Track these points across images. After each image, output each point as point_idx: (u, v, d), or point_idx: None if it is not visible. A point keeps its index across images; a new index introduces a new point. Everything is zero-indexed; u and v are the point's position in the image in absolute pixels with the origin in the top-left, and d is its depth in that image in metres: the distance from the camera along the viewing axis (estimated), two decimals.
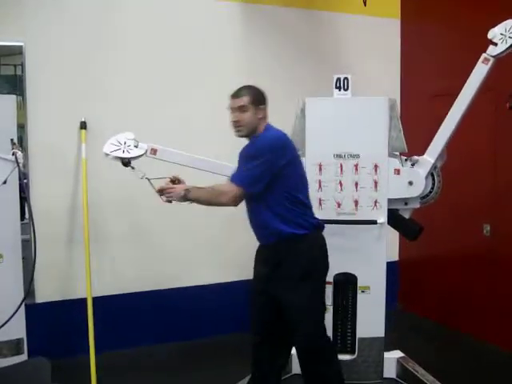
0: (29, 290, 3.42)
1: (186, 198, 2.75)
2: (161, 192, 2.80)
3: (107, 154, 3.09)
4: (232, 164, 3.06)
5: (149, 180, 2.90)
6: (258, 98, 2.82)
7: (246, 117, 2.79)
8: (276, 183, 2.73)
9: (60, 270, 4.07)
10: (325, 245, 2.92)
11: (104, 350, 3.88)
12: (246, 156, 2.77)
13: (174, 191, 2.77)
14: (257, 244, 3.00)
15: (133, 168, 3.05)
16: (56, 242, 4.03)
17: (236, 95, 2.83)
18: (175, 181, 2.90)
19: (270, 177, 2.70)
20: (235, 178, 2.75)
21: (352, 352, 3.56)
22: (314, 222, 2.90)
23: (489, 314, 4.31)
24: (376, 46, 5.02)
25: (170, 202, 2.82)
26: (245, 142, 2.89)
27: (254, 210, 2.86)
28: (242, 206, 2.88)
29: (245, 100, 2.79)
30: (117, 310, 4.20)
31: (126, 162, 3.07)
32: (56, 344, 3.94)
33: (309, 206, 2.91)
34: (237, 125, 2.83)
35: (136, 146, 3.13)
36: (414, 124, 4.38)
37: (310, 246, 2.86)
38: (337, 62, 4.75)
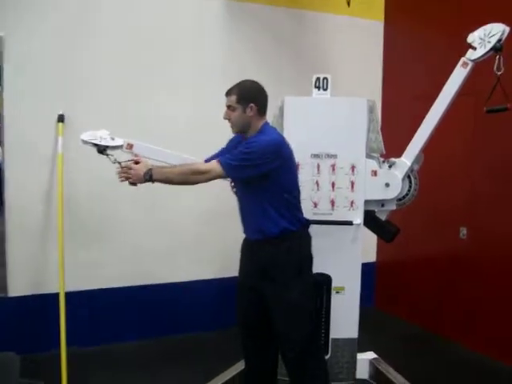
0: None
1: (149, 179, 2.66)
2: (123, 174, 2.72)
3: (85, 142, 3.01)
4: None
5: (119, 163, 2.80)
6: (246, 97, 2.75)
7: (234, 116, 2.78)
8: (269, 182, 2.72)
9: (34, 263, 4.01)
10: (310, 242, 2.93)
11: (76, 346, 3.85)
12: (240, 151, 2.69)
13: (133, 172, 2.69)
14: (238, 241, 2.97)
15: (107, 155, 2.96)
16: (30, 235, 3.99)
17: (227, 93, 2.81)
18: (138, 162, 2.80)
19: (258, 176, 2.69)
20: (222, 161, 2.67)
21: (325, 352, 3.55)
22: (303, 220, 2.90)
23: (463, 316, 4.34)
24: (359, 47, 5.05)
25: (134, 184, 2.73)
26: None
27: (250, 204, 2.83)
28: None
29: (232, 99, 2.76)
30: (90, 306, 4.17)
31: (101, 150, 2.99)
32: (27, 338, 3.92)
33: (297, 207, 2.89)
34: (228, 122, 2.83)
35: (113, 139, 3.09)
36: (395, 126, 4.40)
37: (300, 242, 2.87)
38: (319, 62, 4.75)
